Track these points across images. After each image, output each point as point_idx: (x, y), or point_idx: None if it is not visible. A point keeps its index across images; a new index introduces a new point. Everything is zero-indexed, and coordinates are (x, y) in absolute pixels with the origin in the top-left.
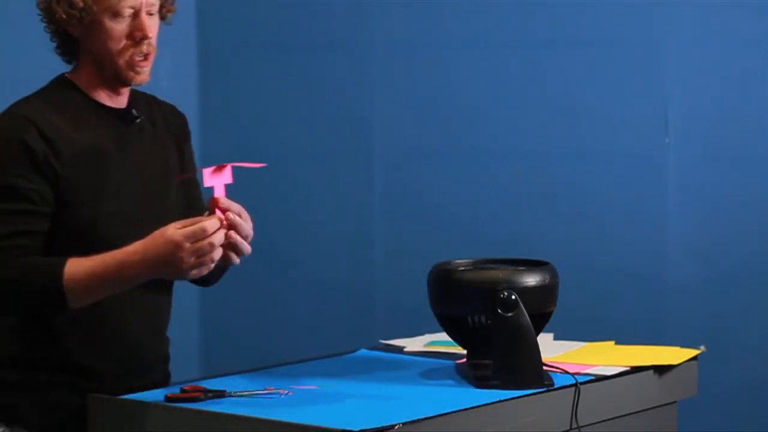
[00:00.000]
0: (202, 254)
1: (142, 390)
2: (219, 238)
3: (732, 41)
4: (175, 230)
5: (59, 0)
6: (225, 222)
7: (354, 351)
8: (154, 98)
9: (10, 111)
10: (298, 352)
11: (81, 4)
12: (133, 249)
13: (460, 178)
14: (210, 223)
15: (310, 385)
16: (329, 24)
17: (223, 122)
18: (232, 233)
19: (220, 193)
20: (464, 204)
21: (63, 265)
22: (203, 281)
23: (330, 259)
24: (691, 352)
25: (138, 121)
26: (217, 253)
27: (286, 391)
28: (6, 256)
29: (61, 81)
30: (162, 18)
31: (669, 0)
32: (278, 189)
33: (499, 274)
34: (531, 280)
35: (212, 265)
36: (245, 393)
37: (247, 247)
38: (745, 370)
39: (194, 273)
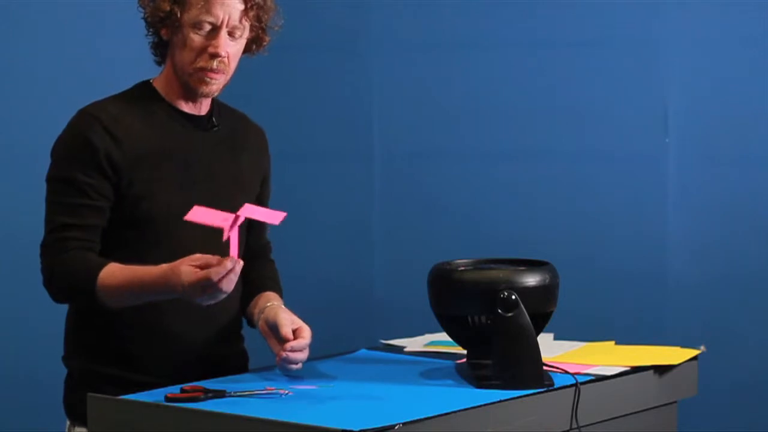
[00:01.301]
0: (213, 295)
1: None
2: (229, 281)
3: (732, 41)
4: (187, 272)
5: (150, 1)
6: (237, 262)
7: (354, 351)
8: (245, 116)
9: (78, 111)
10: None
11: (167, 8)
12: (158, 275)
13: (460, 178)
14: (216, 272)
15: (310, 385)
16: (329, 24)
17: None
18: (285, 356)
19: (233, 237)
20: (464, 204)
21: (99, 271)
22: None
23: (330, 259)
24: (691, 352)
25: (215, 129)
26: (228, 289)
27: (286, 391)
28: (59, 247)
29: (142, 85)
30: (251, 51)
31: (669, 0)
32: (278, 189)
33: (499, 274)
34: (531, 280)
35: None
36: (245, 393)
37: (296, 366)
38: (745, 370)
39: (210, 303)
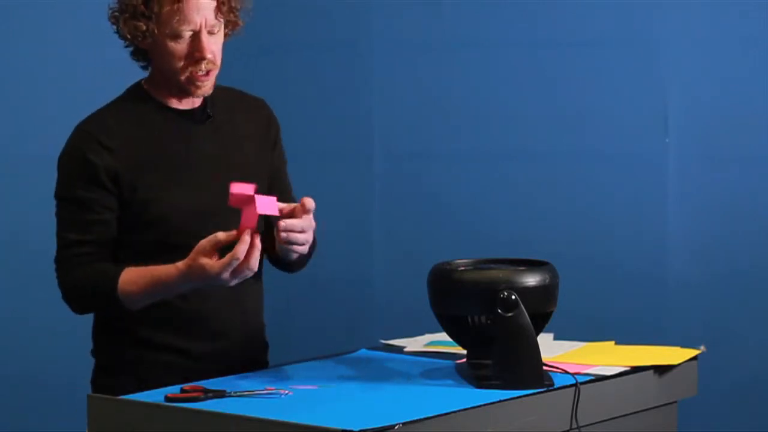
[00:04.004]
0: (241, 275)
1: (234, 372)
2: (254, 258)
3: (732, 41)
4: (210, 264)
5: (125, 21)
6: (255, 240)
7: (354, 351)
8: (240, 93)
9: (76, 127)
10: (298, 352)
11: (144, 27)
12: (178, 276)
13: (460, 178)
14: (240, 250)
15: (310, 385)
16: (330, 24)
17: None
18: (287, 236)
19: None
20: (464, 204)
21: (117, 280)
22: (288, 266)
23: (330, 259)
24: (691, 352)
25: (210, 120)
26: (255, 265)
27: (286, 391)
28: (71, 264)
29: (133, 89)
30: (227, 36)
31: (669, 0)
32: None
33: (499, 274)
34: (531, 280)
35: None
36: (245, 393)
37: (302, 242)
38: (745, 370)
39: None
